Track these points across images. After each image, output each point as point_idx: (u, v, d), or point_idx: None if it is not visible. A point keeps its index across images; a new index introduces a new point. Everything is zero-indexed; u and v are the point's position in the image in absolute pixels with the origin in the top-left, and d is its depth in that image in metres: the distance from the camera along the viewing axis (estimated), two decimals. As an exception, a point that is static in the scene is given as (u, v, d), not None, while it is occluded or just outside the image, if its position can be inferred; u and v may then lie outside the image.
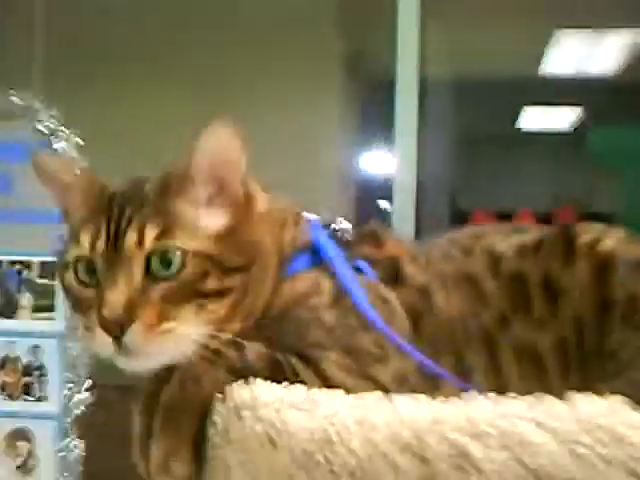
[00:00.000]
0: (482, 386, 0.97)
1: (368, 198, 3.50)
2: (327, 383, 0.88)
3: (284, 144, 2.82)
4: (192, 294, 0.89)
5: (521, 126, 4.90)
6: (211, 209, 0.93)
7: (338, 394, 0.83)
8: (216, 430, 0.86)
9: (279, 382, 0.86)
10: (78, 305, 0.92)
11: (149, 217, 0.89)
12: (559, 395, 0.78)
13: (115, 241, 0.88)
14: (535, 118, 4.93)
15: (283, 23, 2.96)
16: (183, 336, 0.88)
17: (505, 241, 1.11)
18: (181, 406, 0.86)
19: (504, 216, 3.69)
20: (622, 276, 1.01)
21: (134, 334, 0.86)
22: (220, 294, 0.90)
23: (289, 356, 0.89)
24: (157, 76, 3.03)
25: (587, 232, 1.06)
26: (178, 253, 0.88)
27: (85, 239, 0.90)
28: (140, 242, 0.88)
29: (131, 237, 0.88)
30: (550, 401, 0.77)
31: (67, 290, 0.94)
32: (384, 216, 2.73)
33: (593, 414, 0.74)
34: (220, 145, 0.92)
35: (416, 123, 2.53)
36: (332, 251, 1.01)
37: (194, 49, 2.97)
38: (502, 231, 1.14)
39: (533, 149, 4.82)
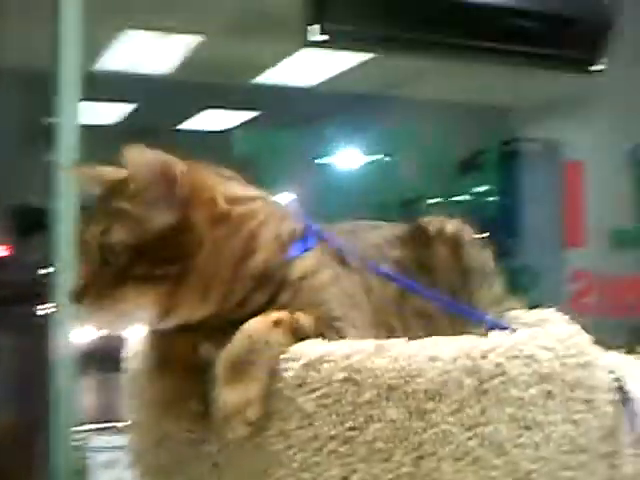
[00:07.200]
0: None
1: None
2: None
3: None
4: (127, 278, 1.09)
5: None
6: (152, 209, 1.09)
7: (401, 342, 1.07)
8: (286, 383, 1.03)
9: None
10: None
11: (96, 218, 1.12)
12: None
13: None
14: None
15: None
16: (123, 311, 1.10)
17: (373, 235, 1.42)
18: (253, 361, 1.03)
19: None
20: (469, 250, 1.42)
21: (85, 306, 1.10)
22: (154, 280, 1.08)
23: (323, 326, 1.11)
24: None
25: (433, 223, 1.44)
26: (114, 245, 1.09)
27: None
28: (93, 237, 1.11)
29: (88, 234, 1.11)
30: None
31: None
32: None
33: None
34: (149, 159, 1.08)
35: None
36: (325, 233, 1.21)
37: None
38: (364, 228, 1.45)
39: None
